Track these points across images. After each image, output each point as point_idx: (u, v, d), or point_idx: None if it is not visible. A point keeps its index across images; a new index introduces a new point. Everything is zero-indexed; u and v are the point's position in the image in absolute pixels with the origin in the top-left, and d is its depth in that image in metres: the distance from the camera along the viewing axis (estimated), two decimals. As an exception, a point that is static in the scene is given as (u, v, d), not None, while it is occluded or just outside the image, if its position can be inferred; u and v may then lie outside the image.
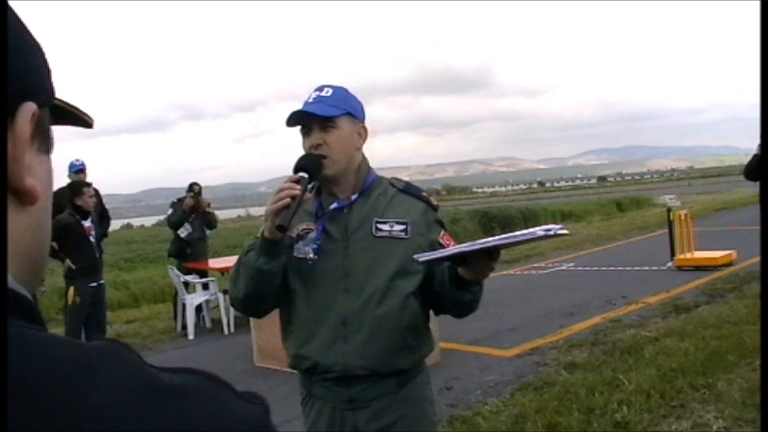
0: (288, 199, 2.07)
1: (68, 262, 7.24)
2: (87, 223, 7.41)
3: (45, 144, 0.65)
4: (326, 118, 2.23)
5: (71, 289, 7.22)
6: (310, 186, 2.22)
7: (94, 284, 7.38)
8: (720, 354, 6.07)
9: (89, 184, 7.52)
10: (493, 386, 5.95)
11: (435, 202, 2.41)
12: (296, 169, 2.18)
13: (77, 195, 7.34)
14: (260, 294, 2.27)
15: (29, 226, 0.61)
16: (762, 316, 2.92)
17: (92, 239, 7.45)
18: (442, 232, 2.37)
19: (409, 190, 2.39)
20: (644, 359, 6.20)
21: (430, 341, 2.40)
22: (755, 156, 8.00)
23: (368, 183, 2.36)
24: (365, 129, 2.36)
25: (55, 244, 7.47)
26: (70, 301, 7.24)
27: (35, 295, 5.84)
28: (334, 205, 2.31)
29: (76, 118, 0.74)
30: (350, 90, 2.35)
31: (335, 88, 2.31)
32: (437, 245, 2.29)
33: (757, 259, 8.14)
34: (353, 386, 2.25)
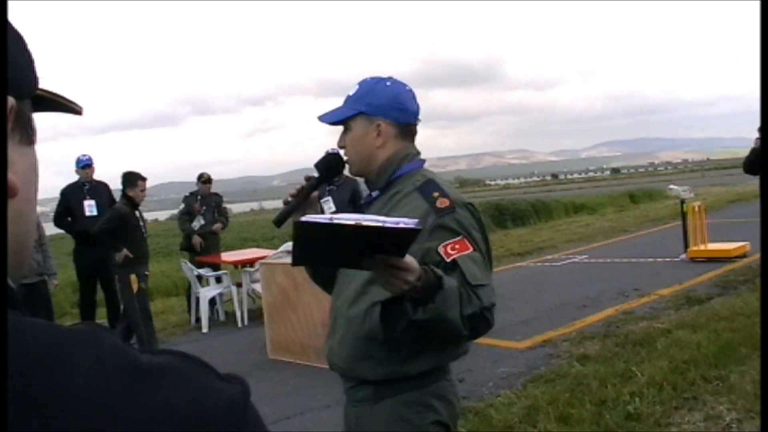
0: (289, 198, 2.20)
1: (125, 251, 7.43)
2: (137, 214, 7.71)
3: (26, 136, 0.66)
4: (334, 123, 2.24)
5: (133, 277, 7.46)
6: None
7: (147, 273, 7.76)
8: (733, 346, 6.05)
9: (144, 178, 7.69)
10: (505, 378, 5.97)
11: (442, 204, 2.08)
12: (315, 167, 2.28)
13: (130, 186, 7.58)
14: (315, 278, 2.47)
15: (10, 219, 0.62)
16: (762, 317, 2.91)
17: (143, 229, 7.68)
18: (447, 241, 2.02)
19: (422, 188, 2.15)
20: (657, 351, 6.19)
21: (417, 359, 2.12)
22: (753, 150, 7.98)
23: (393, 179, 2.23)
24: (381, 125, 2.18)
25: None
26: (135, 289, 7.43)
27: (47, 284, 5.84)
28: (362, 201, 2.37)
29: (63, 106, 0.75)
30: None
31: (362, 84, 2.25)
32: (434, 254, 2.02)
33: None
34: (345, 381, 2.30)
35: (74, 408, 0.52)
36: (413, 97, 2.23)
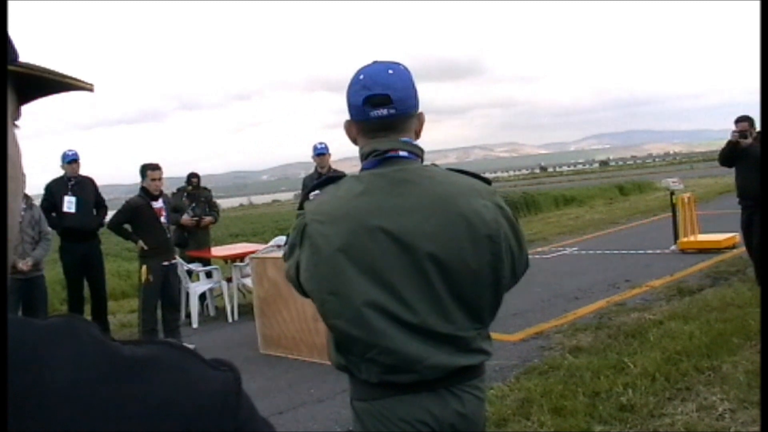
0: None
1: (141, 242, 7.46)
2: (158, 204, 7.62)
3: None
4: None
5: (144, 268, 7.49)
6: None
7: (166, 263, 7.64)
8: (724, 336, 6.07)
9: (154, 167, 7.63)
10: (498, 371, 5.95)
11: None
12: None
13: (142, 178, 7.61)
14: None
15: None
16: (762, 312, 2.91)
17: (163, 220, 7.63)
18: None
19: None
20: (649, 342, 6.20)
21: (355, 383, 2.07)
22: (729, 143, 8.11)
23: None
24: (350, 122, 2.08)
25: (128, 226, 7.61)
26: (143, 280, 7.49)
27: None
28: None
29: (71, 86, 0.69)
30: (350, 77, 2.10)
31: None
32: None
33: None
34: None
35: (58, 407, 0.49)
36: (363, 86, 1.96)
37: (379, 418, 1.97)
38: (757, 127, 8.06)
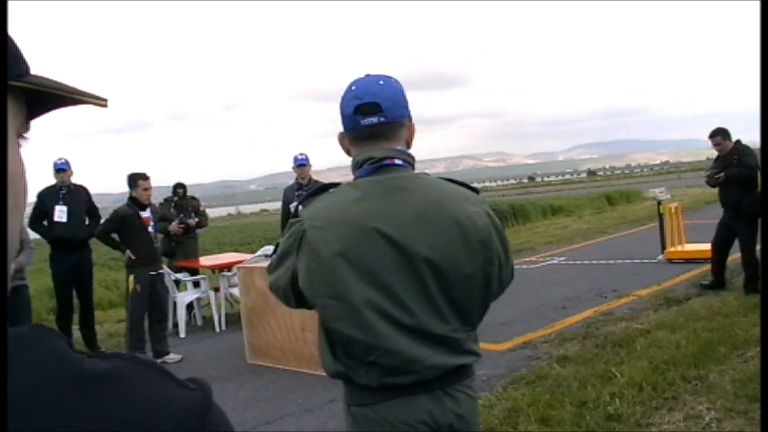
0: None
1: (128, 252, 7.47)
2: (146, 214, 7.65)
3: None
4: None
5: (131, 278, 7.50)
6: None
7: (154, 273, 7.66)
8: (711, 346, 6.09)
9: (144, 177, 7.63)
10: (485, 380, 5.95)
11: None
12: None
13: (132, 188, 7.63)
14: None
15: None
16: (762, 317, 2.93)
17: (151, 229, 7.66)
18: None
19: None
20: (636, 352, 6.21)
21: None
22: (710, 177, 8.51)
23: None
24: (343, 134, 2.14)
25: (116, 236, 7.60)
26: (130, 289, 7.51)
27: None
28: None
29: (82, 101, 0.68)
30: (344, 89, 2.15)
31: None
32: None
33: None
34: None
35: (12, 419, 0.48)
36: (354, 97, 2.03)
37: (380, 422, 1.99)
38: (733, 137, 8.45)
